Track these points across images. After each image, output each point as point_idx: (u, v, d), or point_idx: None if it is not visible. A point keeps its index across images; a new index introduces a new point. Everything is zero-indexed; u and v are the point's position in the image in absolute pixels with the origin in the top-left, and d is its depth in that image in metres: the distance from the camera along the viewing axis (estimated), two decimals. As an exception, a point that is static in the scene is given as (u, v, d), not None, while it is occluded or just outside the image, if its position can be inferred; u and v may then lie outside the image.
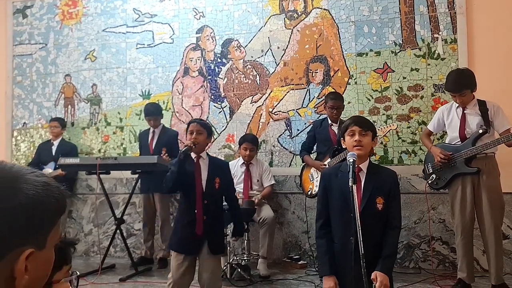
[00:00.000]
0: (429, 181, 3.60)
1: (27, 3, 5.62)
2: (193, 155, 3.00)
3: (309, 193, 4.17)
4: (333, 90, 4.48)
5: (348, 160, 2.25)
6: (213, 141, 4.92)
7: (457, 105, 3.48)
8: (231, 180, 3.24)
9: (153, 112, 4.64)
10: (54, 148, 4.98)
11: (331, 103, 4.04)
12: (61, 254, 1.08)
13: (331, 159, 3.95)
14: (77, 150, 5.21)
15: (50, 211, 0.81)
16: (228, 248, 3.97)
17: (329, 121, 4.11)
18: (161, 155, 4.34)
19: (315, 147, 4.26)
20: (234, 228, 3.30)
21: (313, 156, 4.25)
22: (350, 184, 2.12)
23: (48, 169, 4.78)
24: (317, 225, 2.52)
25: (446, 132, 3.80)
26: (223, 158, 4.84)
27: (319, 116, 4.54)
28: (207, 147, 3.15)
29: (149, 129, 4.73)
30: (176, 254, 2.95)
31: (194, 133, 2.93)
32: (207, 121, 4.91)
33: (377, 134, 2.62)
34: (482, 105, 3.40)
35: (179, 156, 2.90)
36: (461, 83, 3.38)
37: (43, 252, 0.80)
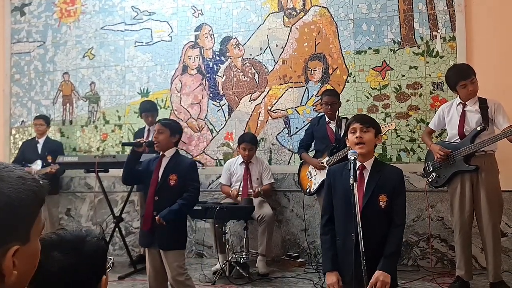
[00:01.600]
0: (429, 180, 3.59)
1: (25, 1, 5.60)
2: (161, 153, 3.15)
3: (307, 190, 4.17)
4: (330, 88, 4.48)
5: (349, 158, 2.26)
6: (212, 139, 4.92)
7: (458, 102, 3.47)
8: (191, 177, 3.10)
9: (149, 109, 4.66)
10: (39, 146, 4.92)
11: (326, 99, 4.05)
12: (106, 248, 1.14)
13: (329, 157, 3.95)
14: (63, 147, 5.18)
15: (29, 204, 0.81)
16: (227, 246, 3.98)
17: (327, 119, 4.11)
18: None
19: (313, 145, 4.27)
20: (168, 210, 2.97)
21: (311, 154, 4.25)
22: (351, 182, 2.14)
23: (36, 167, 4.74)
24: (321, 221, 2.53)
25: (445, 130, 3.80)
26: (221, 157, 4.85)
27: (318, 114, 4.54)
28: (182, 145, 3.24)
29: (144, 127, 4.73)
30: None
31: (156, 132, 3.11)
32: (205, 119, 4.92)
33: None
34: (482, 102, 3.39)
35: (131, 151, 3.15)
36: (469, 71, 3.38)
37: (28, 245, 0.81)
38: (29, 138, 5.27)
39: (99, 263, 1.12)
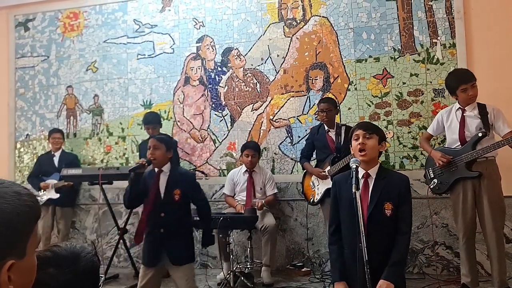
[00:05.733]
0: (431, 186, 3.57)
1: (29, 16, 5.69)
2: (155, 169, 3.09)
3: (311, 201, 4.17)
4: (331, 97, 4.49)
5: (351, 166, 2.26)
6: (215, 150, 4.94)
7: (457, 107, 3.46)
8: (197, 189, 3.21)
9: (151, 120, 4.68)
10: (56, 159, 4.98)
11: (321, 106, 4.09)
12: (99, 265, 1.15)
13: (330, 166, 3.95)
14: (78, 159, 5.23)
15: (25, 220, 0.82)
16: (231, 256, 3.97)
17: (326, 128, 4.12)
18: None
19: (314, 154, 4.27)
20: (203, 236, 3.24)
21: (313, 163, 4.25)
22: (353, 190, 2.13)
23: (53, 180, 4.80)
24: (329, 231, 2.53)
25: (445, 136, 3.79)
26: (224, 167, 4.86)
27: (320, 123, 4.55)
28: (168, 160, 3.15)
29: (149, 138, 4.74)
30: (142, 265, 3.06)
31: (151, 149, 3.04)
32: (208, 129, 4.95)
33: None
34: (482, 108, 3.38)
35: (130, 175, 3.00)
36: (470, 75, 3.38)
37: (24, 260, 0.82)
38: (43, 151, 5.34)
39: (93, 280, 1.12)
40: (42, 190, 4.79)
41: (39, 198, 4.77)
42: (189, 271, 3.06)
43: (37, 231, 0.86)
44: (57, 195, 4.74)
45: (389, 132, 3.79)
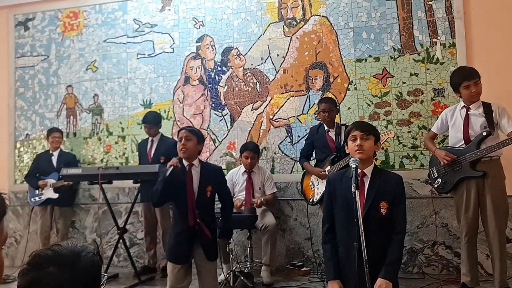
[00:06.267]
0: (435, 186, 3.54)
1: (29, 15, 5.69)
2: (185, 163, 3.04)
3: (310, 200, 4.16)
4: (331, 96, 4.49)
5: (351, 166, 2.27)
6: (214, 149, 4.94)
7: (462, 105, 3.44)
8: (225, 184, 3.31)
9: (150, 120, 4.67)
10: (54, 159, 4.97)
11: (323, 106, 4.07)
12: (101, 264, 1.15)
13: (330, 166, 3.95)
14: (77, 159, 5.23)
15: None
16: (231, 255, 3.97)
17: (326, 127, 4.11)
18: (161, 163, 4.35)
19: (314, 154, 4.27)
20: (224, 225, 3.26)
21: (313, 162, 4.25)
22: (353, 189, 2.14)
23: (52, 180, 4.80)
24: (323, 230, 2.54)
25: (447, 137, 3.78)
26: (224, 166, 4.86)
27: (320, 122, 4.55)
28: (199, 154, 3.18)
29: (148, 138, 4.75)
30: (171, 263, 3.05)
31: (183, 140, 2.97)
32: (208, 129, 4.95)
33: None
34: (486, 106, 3.36)
35: (164, 175, 2.95)
36: (473, 72, 3.37)
37: None
38: (43, 150, 5.31)
39: (94, 279, 1.11)
40: (40, 189, 4.79)
41: (37, 198, 4.78)
42: (216, 266, 3.12)
43: (3, 228, 0.85)
44: (56, 195, 4.75)
45: (391, 132, 3.77)
